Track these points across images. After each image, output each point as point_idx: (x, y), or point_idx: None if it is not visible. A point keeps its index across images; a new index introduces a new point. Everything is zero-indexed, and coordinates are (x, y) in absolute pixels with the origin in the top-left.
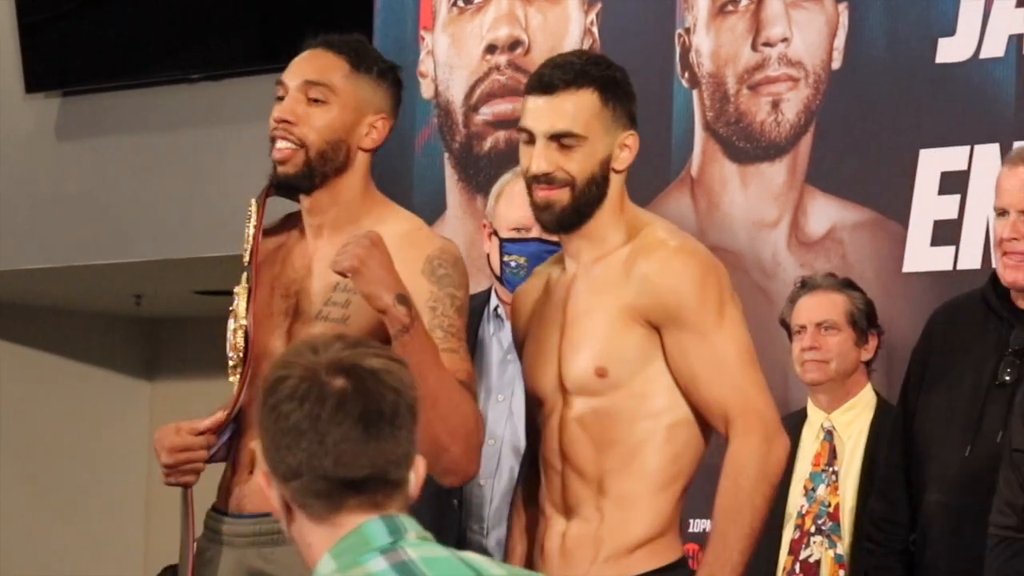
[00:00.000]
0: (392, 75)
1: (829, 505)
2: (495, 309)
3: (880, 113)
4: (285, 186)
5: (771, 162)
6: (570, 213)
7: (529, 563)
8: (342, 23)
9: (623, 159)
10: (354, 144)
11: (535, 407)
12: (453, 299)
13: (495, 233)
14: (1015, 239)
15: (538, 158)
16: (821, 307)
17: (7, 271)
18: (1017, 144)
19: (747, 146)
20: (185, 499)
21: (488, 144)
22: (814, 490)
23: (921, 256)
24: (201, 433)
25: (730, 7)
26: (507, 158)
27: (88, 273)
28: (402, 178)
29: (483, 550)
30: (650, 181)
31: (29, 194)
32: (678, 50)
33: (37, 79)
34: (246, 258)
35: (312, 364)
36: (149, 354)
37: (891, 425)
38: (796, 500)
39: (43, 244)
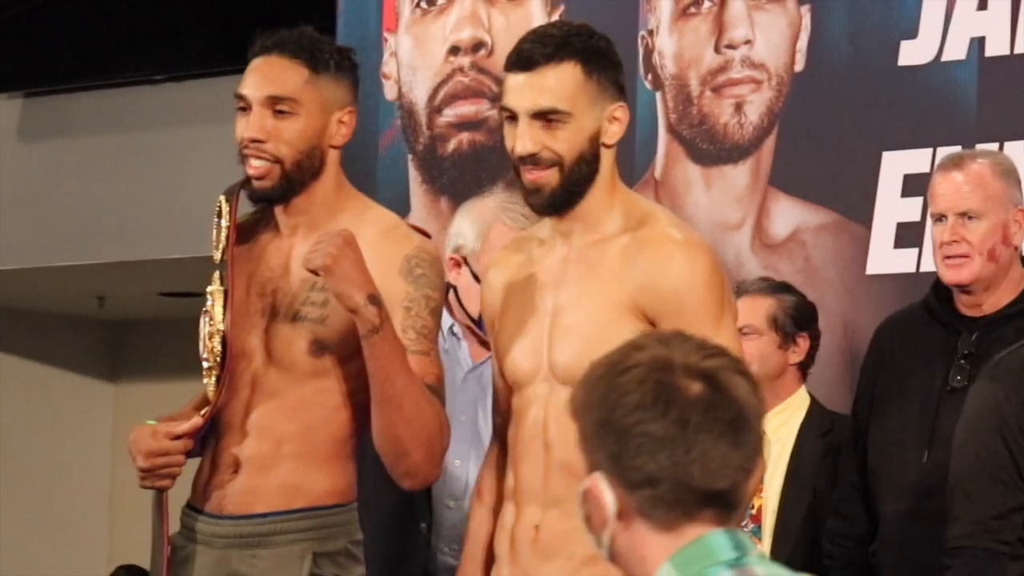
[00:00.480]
0: (349, 62)
1: (753, 507)
2: (451, 327)
3: (843, 115)
4: (263, 199)
5: (734, 164)
6: (561, 194)
7: (492, 550)
8: (304, 24)
9: (613, 133)
10: (326, 145)
11: (510, 392)
12: (428, 300)
13: (471, 270)
14: (955, 241)
15: (522, 138)
16: (743, 312)
17: None
18: (979, 147)
19: (710, 148)
20: (159, 502)
21: (452, 146)
22: None
23: (884, 258)
24: (178, 437)
25: (693, 9)
26: (471, 160)
27: (51, 274)
28: (366, 180)
29: (454, 571)
30: None
31: None
32: (641, 52)
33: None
34: (218, 256)
35: (664, 365)
36: (113, 356)
37: (845, 443)
38: None
39: (5, 245)
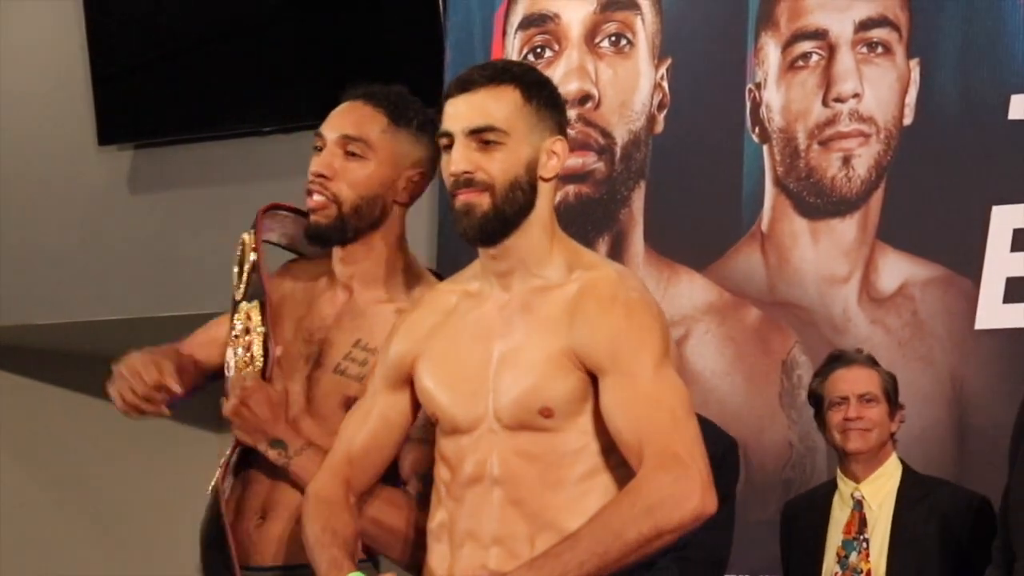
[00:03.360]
0: (432, 128)
1: (861, 571)
2: None
3: (952, 169)
4: (316, 236)
5: (842, 218)
6: (493, 219)
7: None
8: (412, 76)
9: (551, 167)
10: (390, 199)
11: (446, 434)
12: None
13: None
14: None
15: (456, 157)
16: (861, 380)
17: (80, 323)
18: None
19: (818, 201)
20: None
21: (558, 197)
22: (847, 558)
23: (994, 313)
24: (165, 391)
25: (801, 62)
26: (576, 212)
27: (159, 325)
28: None
29: None
30: (720, 236)
31: (102, 246)
32: (748, 105)
33: (110, 132)
34: (240, 293)
35: None
36: (217, 405)
37: (948, 507)
38: (830, 568)
39: (115, 296)
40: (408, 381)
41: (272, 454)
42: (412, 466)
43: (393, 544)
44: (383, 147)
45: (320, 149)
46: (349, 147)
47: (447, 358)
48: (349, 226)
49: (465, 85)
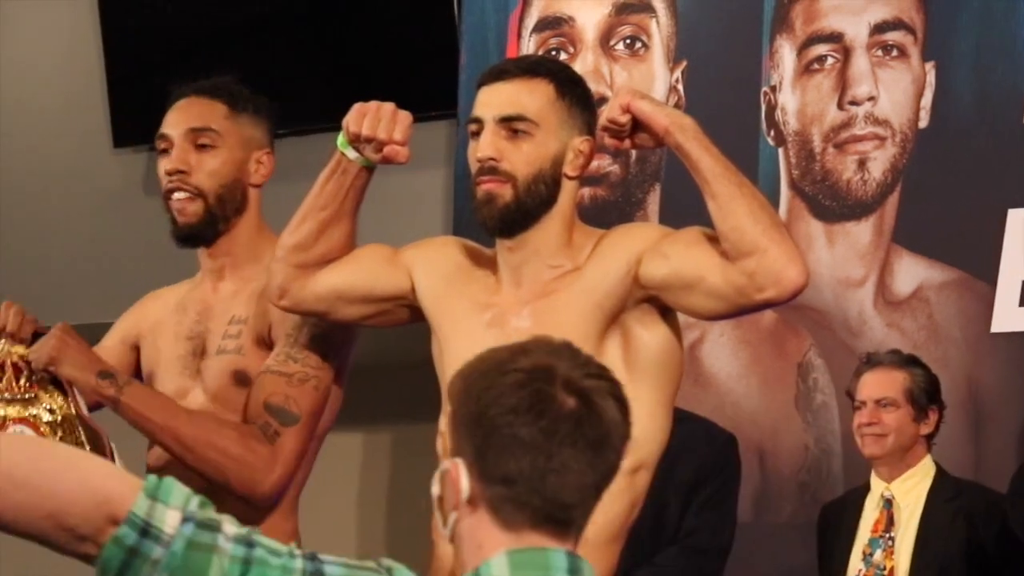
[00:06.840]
0: (267, 108)
1: (884, 568)
2: None
3: (968, 172)
4: (190, 237)
5: (857, 221)
6: (514, 210)
7: None
8: (426, 78)
9: (577, 165)
10: (246, 182)
11: None
12: (313, 327)
13: None
14: None
15: (483, 143)
16: (881, 384)
17: (94, 324)
18: None
19: (833, 204)
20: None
21: None
22: (871, 555)
23: (1009, 316)
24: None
25: (816, 65)
26: (591, 215)
27: None
28: None
29: None
30: None
31: (116, 247)
32: (764, 108)
33: (125, 134)
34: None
35: (546, 376)
36: None
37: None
38: (855, 565)
39: (129, 297)
40: (408, 279)
41: (104, 385)
42: (266, 397)
43: (231, 469)
44: (230, 133)
45: (167, 151)
46: (199, 139)
47: (458, 351)
48: (218, 218)
49: (500, 74)
